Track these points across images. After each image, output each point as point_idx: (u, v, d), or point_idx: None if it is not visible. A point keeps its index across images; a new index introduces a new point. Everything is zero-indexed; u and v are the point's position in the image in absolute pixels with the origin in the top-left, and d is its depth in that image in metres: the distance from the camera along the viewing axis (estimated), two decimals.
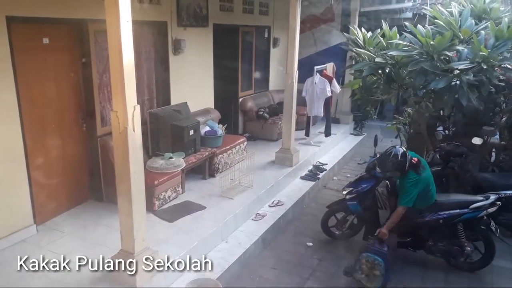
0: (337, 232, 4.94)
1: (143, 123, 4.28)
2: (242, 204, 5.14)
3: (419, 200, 4.13)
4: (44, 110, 4.41)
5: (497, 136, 5.65)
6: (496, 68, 4.46)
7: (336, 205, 4.90)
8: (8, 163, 3.99)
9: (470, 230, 4.25)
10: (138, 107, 3.23)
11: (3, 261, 3.77)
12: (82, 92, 4.78)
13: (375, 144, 5.80)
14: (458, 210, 4.16)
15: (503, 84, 5.01)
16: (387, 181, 4.54)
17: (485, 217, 4.19)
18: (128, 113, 3.15)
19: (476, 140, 5.16)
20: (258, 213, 5.29)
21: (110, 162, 4.64)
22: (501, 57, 4.37)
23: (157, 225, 4.53)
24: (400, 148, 4.18)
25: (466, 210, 4.14)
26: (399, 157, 4.07)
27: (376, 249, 3.93)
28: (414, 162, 4.11)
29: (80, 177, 4.93)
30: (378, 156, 4.56)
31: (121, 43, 3.01)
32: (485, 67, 4.32)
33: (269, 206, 5.56)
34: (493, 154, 5.89)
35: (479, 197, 4.25)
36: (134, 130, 3.22)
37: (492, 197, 4.20)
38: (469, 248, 4.23)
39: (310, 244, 4.91)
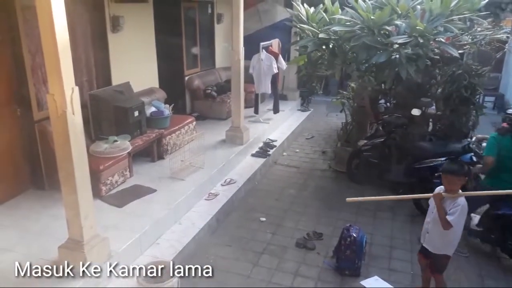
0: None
1: (83, 106, 4.06)
2: (194, 184, 5.09)
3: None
4: None
5: (434, 107, 5.99)
6: (431, 42, 4.70)
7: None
8: None
9: None
10: (76, 88, 3.05)
11: None
12: (13, 74, 4.42)
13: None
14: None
15: (438, 57, 5.30)
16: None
17: None
18: (66, 95, 2.97)
19: (415, 111, 5.44)
20: (210, 193, 5.28)
21: (50, 148, 4.36)
22: (435, 31, 4.59)
23: (106, 211, 4.38)
24: None
25: None
26: None
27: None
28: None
29: (17, 165, 4.61)
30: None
31: (53, 20, 2.79)
32: (421, 41, 4.53)
33: (222, 185, 5.56)
34: (430, 124, 6.26)
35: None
36: (73, 114, 3.05)
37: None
38: None
39: (263, 219, 5.00)
